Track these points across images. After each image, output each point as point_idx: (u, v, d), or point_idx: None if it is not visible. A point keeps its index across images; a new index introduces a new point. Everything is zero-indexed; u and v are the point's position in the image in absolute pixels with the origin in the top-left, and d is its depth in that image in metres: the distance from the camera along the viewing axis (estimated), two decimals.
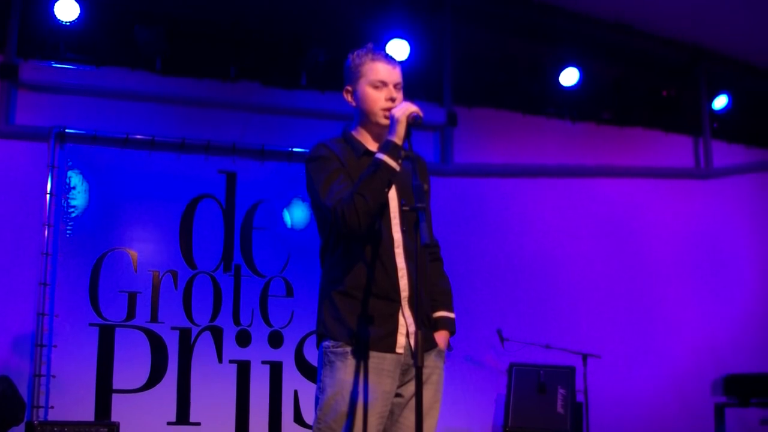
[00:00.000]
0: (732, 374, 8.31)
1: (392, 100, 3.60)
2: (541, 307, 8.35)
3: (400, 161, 3.42)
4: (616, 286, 8.71)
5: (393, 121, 3.45)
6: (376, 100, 3.61)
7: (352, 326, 3.48)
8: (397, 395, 3.54)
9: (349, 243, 3.53)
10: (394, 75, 3.65)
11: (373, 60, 3.63)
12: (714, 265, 9.20)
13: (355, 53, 3.69)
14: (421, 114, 3.47)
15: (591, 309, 8.52)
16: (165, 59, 7.50)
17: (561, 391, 7.31)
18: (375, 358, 3.45)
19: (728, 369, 8.51)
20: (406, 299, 3.52)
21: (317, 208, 3.64)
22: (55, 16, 7.05)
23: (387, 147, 3.41)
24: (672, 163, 9.33)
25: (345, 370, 3.44)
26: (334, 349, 3.49)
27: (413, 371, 3.43)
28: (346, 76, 3.72)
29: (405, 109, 3.44)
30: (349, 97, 3.71)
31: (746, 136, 9.82)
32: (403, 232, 3.55)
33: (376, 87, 3.61)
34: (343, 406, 3.41)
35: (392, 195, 3.57)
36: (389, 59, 3.67)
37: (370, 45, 3.71)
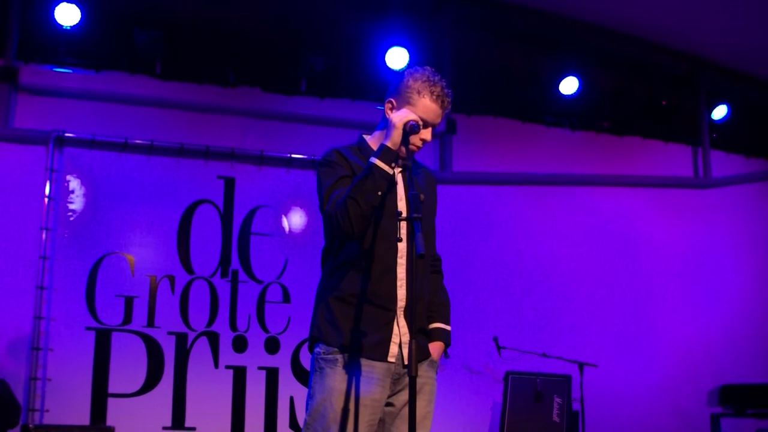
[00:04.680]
0: (728, 384, 8.32)
1: (422, 141, 3.60)
2: (538, 315, 8.35)
3: (393, 165, 3.43)
4: (614, 295, 8.70)
5: (389, 126, 3.46)
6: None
7: (346, 332, 3.49)
8: (389, 404, 3.55)
9: (352, 248, 3.54)
10: (438, 119, 3.63)
11: (430, 99, 3.56)
12: (711, 275, 9.19)
13: (417, 76, 3.60)
14: (419, 122, 3.48)
15: (588, 318, 8.51)
16: (165, 64, 7.52)
17: (557, 399, 7.31)
18: (365, 365, 3.46)
19: (725, 379, 8.51)
20: (402, 309, 3.53)
21: (322, 213, 3.62)
22: (55, 20, 7.07)
23: (380, 151, 3.42)
24: (671, 173, 9.33)
25: (334, 377, 3.45)
26: (325, 356, 3.50)
27: (405, 381, 3.45)
28: (394, 89, 3.65)
29: (403, 117, 3.45)
30: (388, 111, 3.63)
31: (745, 147, 9.82)
32: (405, 241, 3.54)
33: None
34: (331, 413, 3.41)
35: (402, 205, 3.57)
36: (443, 103, 3.60)
37: (430, 72, 3.62)
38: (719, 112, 9.29)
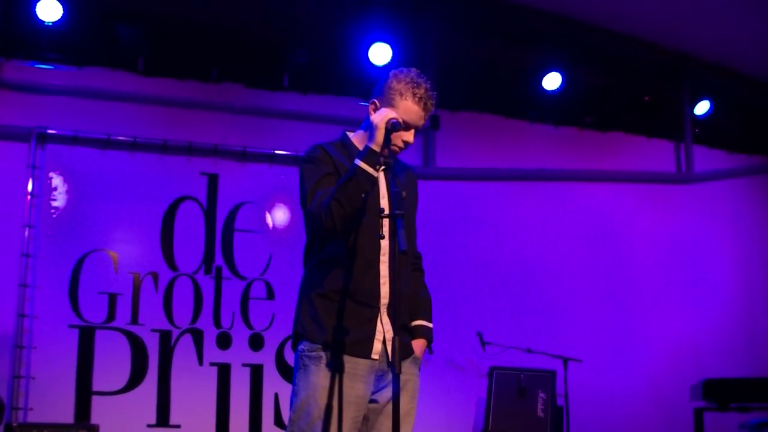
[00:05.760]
0: (711, 378, 8.32)
1: (405, 143, 3.58)
2: (522, 310, 8.36)
3: (378, 167, 3.42)
4: (597, 290, 8.73)
5: (372, 127, 3.44)
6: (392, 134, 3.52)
7: (329, 329, 3.49)
8: (373, 401, 3.55)
9: (335, 246, 3.55)
10: (421, 121, 3.59)
11: (412, 100, 3.53)
12: (694, 270, 9.24)
13: (401, 78, 3.56)
14: (400, 120, 3.47)
15: (572, 313, 8.54)
16: (147, 60, 7.48)
17: (541, 394, 7.33)
18: (349, 362, 3.47)
19: (708, 373, 8.53)
20: (386, 306, 3.54)
21: (304, 210, 3.62)
22: (37, 16, 7.00)
23: (364, 153, 3.41)
24: (653, 168, 9.37)
25: (318, 373, 3.46)
26: (309, 353, 3.50)
27: (389, 377, 3.46)
28: (379, 90, 3.62)
29: (384, 116, 3.43)
30: (372, 111, 3.61)
31: (727, 142, 9.87)
32: (387, 238, 3.54)
33: None
34: (315, 410, 3.42)
35: (384, 203, 3.58)
36: (426, 105, 3.56)
37: (414, 74, 3.58)
38: (702, 107, 9.33)
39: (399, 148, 3.59)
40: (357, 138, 3.74)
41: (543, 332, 8.25)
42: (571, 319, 8.52)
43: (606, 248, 8.90)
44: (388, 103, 3.55)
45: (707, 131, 9.62)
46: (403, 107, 3.53)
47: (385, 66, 7.65)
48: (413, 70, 3.62)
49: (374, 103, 3.62)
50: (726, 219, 9.61)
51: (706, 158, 9.61)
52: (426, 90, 3.56)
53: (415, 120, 3.57)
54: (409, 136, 3.58)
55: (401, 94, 3.54)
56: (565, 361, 7.52)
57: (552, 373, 7.44)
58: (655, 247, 9.13)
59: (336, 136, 3.83)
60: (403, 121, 3.52)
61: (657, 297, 8.98)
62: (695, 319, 9.10)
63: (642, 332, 8.81)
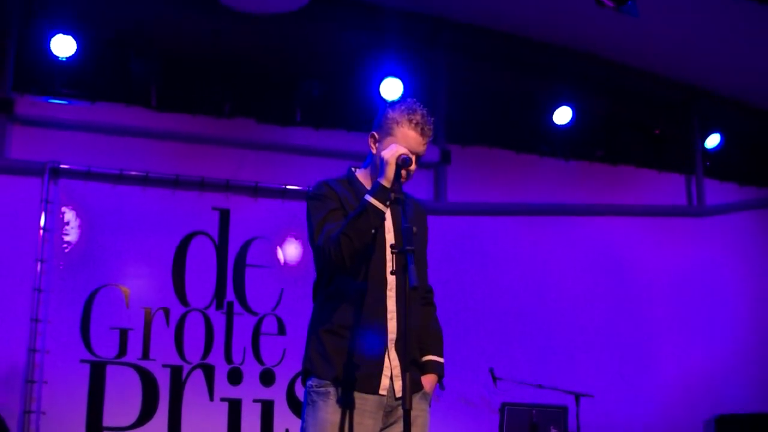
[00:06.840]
0: (723, 414, 8.30)
1: (408, 171, 3.58)
2: (534, 346, 8.33)
3: (388, 203, 3.44)
4: (609, 325, 8.69)
5: (382, 162, 3.46)
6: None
7: (337, 365, 3.50)
8: None
9: (342, 281, 3.55)
10: (421, 148, 3.63)
11: (409, 127, 3.59)
12: (707, 303, 9.19)
13: (396, 107, 3.64)
14: (410, 155, 3.49)
15: (584, 348, 8.50)
16: (160, 95, 7.53)
17: (553, 430, 7.28)
18: (358, 398, 3.47)
19: (721, 408, 8.49)
20: (393, 342, 3.53)
21: (312, 246, 3.64)
22: (51, 51, 7.07)
23: (375, 189, 3.43)
24: (665, 202, 9.35)
25: (327, 409, 3.46)
26: (317, 389, 3.51)
27: (398, 413, 3.47)
28: (377, 122, 3.69)
29: (394, 152, 3.45)
30: (372, 144, 3.69)
31: (739, 175, 9.86)
32: (397, 274, 3.54)
33: None
34: None
35: (390, 237, 3.59)
36: (424, 131, 3.61)
37: (410, 102, 3.65)
38: (712, 140, 9.33)
39: (404, 178, 3.61)
40: (362, 174, 3.77)
41: (555, 367, 8.21)
42: (583, 354, 8.48)
43: (618, 282, 8.87)
44: (387, 133, 3.61)
45: (718, 164, 9.62)
46: (401, 135, 3.58)
47: (395, 101, 7.65)
48: (409, 99, 3.69)
49: (373, 136, 3.69)
50: (738, 252, 9.58)
51: (717, 191, 9.59)
52: (422, 116, 3.61)
53: (415, 146, 3.59)
54: (411, 164, 3.59)
55: (398, 123, 3.60)
56: (577, 396, 7.47)
57: (564, 409, 7.40)
58: (667, 280, 9.10)
59: (343, 172, 3.85)
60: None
61: (669, 331, 8.94)
62: (708, 353, 9.05)
63: (654, 367, 8.76)
